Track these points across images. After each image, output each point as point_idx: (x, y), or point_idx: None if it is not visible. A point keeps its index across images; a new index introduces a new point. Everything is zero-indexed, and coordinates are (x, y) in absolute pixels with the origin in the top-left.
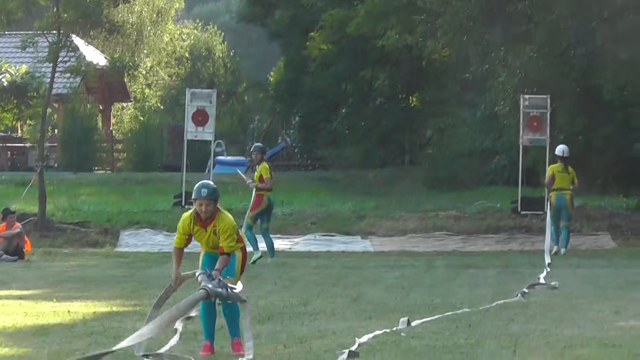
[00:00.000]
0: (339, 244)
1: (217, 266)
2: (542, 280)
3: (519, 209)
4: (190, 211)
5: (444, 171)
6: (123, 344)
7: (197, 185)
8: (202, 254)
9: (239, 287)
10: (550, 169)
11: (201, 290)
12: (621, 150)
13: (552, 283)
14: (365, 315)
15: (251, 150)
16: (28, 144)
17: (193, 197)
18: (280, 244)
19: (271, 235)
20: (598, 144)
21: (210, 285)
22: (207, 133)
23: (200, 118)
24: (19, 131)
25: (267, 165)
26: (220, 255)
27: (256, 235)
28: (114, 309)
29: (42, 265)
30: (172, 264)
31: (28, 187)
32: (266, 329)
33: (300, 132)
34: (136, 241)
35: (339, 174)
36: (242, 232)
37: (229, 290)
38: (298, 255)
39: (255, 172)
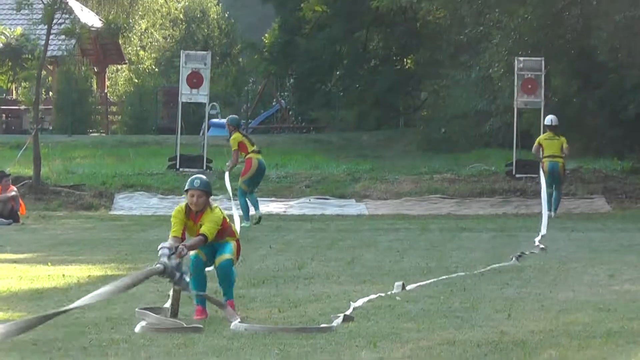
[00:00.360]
0: (334, 207)
1: (186, 242)
2: (536, 244)
3: (514, 172)
4: (182, 204)
5: (439, 133)
6: (77, 303)
7: (191, 177)
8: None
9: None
10: (538, 140)
11: (159, 265)
12: (616, 112)
13: (541, 247)
14: (360, 278)
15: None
16: (23, 107)
17: (186, 188)
18: (274, 207)
19: (266, 199)
20: (592, 106)
21: (167, 262)
22: (201, 95)
23: (194, 80)
24: (14, 94)
25: (237, 136)
26: (197, 235)
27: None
28: (109, 272)
29: (37, 229)
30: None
31: (23, 150)
32: (261, 293)
33: (295, 94)
34: (131, 204)
35: (333, 136)
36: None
37: (183, 277)
38: (292, 218)
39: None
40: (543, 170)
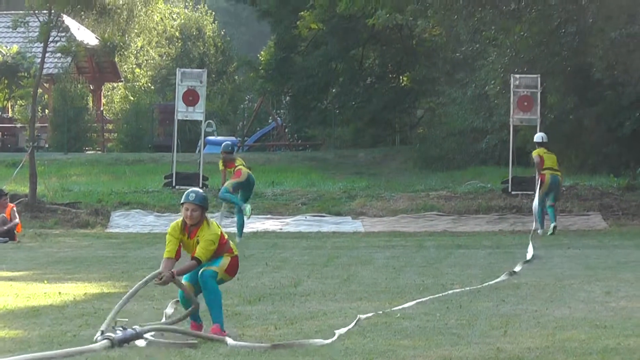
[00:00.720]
0: (330, 224)
1: (177, 268)
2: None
3: (510, 189)
4: (178, 220)
5: (435, 151)
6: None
7: (187, 190)
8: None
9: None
10: (536, 152)
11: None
12: (612, 129)
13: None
14: (356, 296)
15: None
16: (18, 125)
17: (182, 201)
18: (270, 224)
19: (262, 216)
20: (588, 123)
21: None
22: (197, 113)
23: (190, 98)
24: (10, 111)
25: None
26: (191, 260)
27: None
28: (105, 290)
29: (33, 247)
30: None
31: (19, 168)
32: (257, 310)
33: (291, 111)
34: (127, 222)
35: (329, 153)
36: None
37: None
38: (288, 235)
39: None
40: (543, 182)
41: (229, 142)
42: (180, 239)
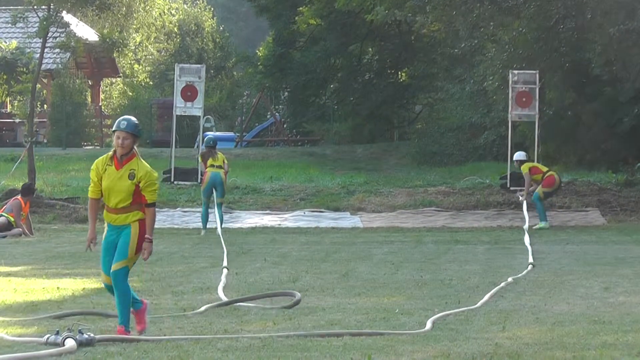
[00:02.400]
0: (328, 219)
1: (148, 230)
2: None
3: (508, 185)
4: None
5: (433, 146)
6: None
7: (118, 119)
8: (104, 233)
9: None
10: (525, 167)
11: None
12: (610, 125)
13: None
14: (355, 291)
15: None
16: (17, 120)
17: (113, 129)
18: (269, 219)
19: (260, 212)
20: (587, 119)
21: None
22: (196, 108)
23: (189, 93)
24: (8, 107)
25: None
26: (147, 208)
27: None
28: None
29: (31, 242)
30: (89, 222)
31: (17, 163)
32: (255, 306)
33: (289, 107)
34: None
35: (327, 149)
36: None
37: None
38: (287, 231)
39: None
40: (552, 183)
41: (210, 136)
42: (102, 176)
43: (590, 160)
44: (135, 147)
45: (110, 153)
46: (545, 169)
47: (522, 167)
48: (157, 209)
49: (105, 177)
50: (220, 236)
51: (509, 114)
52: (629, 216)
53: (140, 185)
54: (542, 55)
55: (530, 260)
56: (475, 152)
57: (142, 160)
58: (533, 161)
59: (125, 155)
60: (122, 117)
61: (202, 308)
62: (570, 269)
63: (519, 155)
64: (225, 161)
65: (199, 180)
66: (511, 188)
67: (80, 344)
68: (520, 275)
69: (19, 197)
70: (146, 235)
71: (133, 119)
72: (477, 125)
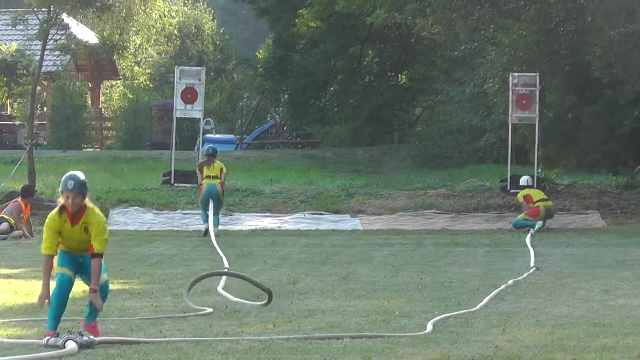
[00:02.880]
0: (328, 222)
1: (92, 282)
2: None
3: (509, 187)
4: (56, 208)
5: (433, 149)
6: None
7: (64, 177)
8: (57, 258)
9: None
10: (520, 194)
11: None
12: (610, 128)
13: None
14: (355, 294)
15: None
16: (17, 122)
17: (60, 189)
18: (269, 222)
19: (260, 214)
20: (587, 122)
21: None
22: (196, 111)
23: (189, 96)
24: (8, 109)
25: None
26: (92, 259)
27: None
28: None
29: (32, 244)
30: (43, 279)
31: (17, 165)
32: (255, 308)
33: (289, 109)
34: (125, 219)
35: (327, 151)
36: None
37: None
38: (287, 233)
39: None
40: (537, 214)
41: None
42: (60, 229)
43: (590, 162)
44: (86, 200)
45: (59, 209)
46: (538, 197)
47: (518, 195)
48: (157, 211)
49: (63, 231)
50: (214, 242)
51: (509, 116)
52: (629, 219)
53: (90, 234)
54: (542, 58)
55: (533, 263)
56: (476, 154)
57: (94, 208)
58: (533, 186)
59: (77, 211)
60: (67, 176)
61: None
62: (571, 272)
63: (522, 180)
64: (224, 170)
65: (198, 183)
66: (511, 190)
67: (81, 347)
68: (521, 277)
69: (19, 199)
70: (91, 286)
71: (79, 176)
72: (477, 128)
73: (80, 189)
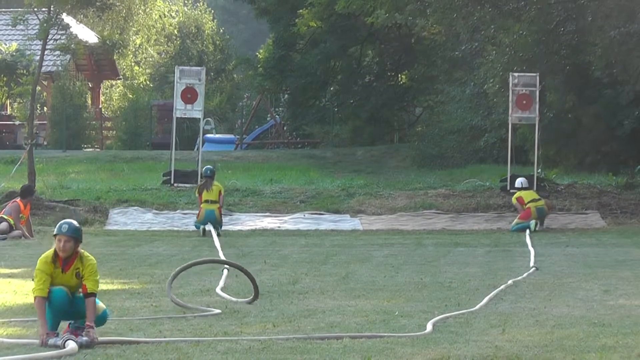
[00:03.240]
0: (328, 222)
1: (88, 318)
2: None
3: (509, 187)
4: (48, 251)
5: (434, 149)
6: None
7: (60, 221)
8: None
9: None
10: (514, 198)
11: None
12: (610, 128)
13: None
14: (354, 293)
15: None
16: (17, 122)
17: (54, 233)
18: (269, 222)
19: (260, 214)
20: (587, 122)
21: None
22: (196, 111)
23: (189, 96)
24: (8, 109)
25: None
26: (86, 299)
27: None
28: (103, 287)
29: (31, 244)
30: (39, 321)
31: (17, 165)
32: (255, 308)
33: (289, 109)
34: (125, 219)
35: (327, 151)
36: None
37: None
38: (287, 233)
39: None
40: (528, 216)
41: (208, 167)
42: (52, 273)
43: (590, 162)
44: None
45: (51, 255)
46: (529, 198)
47: (512, 198)
48: (157, 211)
49: (54, 276)
50: (216, 242)
51: (509, 116)
52: (629, 219)
53: (83, 276)
54: (542, 58)
55: (532, 263)
56: (476, 154)
57: (85, 253)
58: (529, 188)
59: (69, 257)
60: (63, 221)
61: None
62: (570, 272)
63: (517, 182)
64: (222, 193)
65: (198, 183)
66: (511, 190)
67: (81, 347)
68: (520, 277)
69: (18, 199)
70: (87, 322)
71: (74, 223)
72: (477, 128)
73: (73, 233)
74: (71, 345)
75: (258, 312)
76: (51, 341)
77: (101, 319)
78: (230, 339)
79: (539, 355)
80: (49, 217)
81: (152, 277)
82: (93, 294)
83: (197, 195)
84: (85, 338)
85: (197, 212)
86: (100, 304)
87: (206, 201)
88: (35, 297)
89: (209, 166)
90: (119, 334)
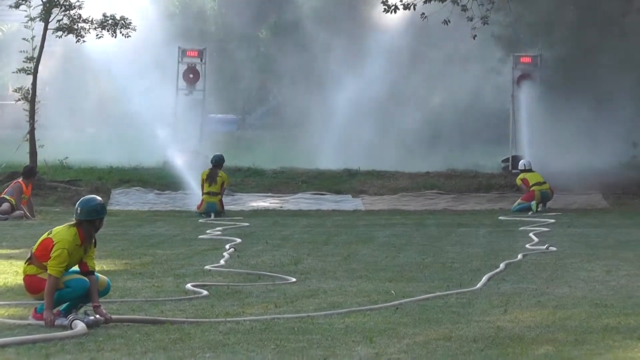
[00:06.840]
0: (330, 202)
1: (94, 300)
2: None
3: (510, 168)
4: (72, 230)
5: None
6: None
7: (93, 203)
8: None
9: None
10: (519, 178)
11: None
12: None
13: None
14: (356, 274)
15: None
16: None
17: (95, 216)
18: (271, 202)
19: (262, 194)
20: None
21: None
22: (198, 90)
23: (191, 75)
24: (10, 89)
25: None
26: (88, 277)
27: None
28: (105, 267)
29: (33, 224)
30: (46, 300)
31: (19, 146)
32: (257, 288)
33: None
34: (127, 199)
35: None
36: None
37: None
38: (289, 213)
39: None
40: (532, 198)
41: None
42: (74, 252)
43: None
44: None
45: (78, 236)
46: (534, 181)
47: (517, 179)
48: (159, 192)
49: (73, 256)
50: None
51: (511, 97)
52: (631, 199)
53: (87, 255)
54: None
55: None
56: (478, 135)
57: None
58: (531, 170)
59: (90, 237)
60: (96, 203)
61: None
62: (572, 252)
63: (520, 164)
64: (225, 184)
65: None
66: (513, 171)
67: (89, 326)
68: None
69: (20, 179)
70: (93, 303)
71: (102, 201)
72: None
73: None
74: (80, 325)
75: (260, 293)
76: (58, 322)
77: (107, 290)
78: (232, 319)
79: (541, 335)
80: (51, 197)
81: (154, 257)
82: (93, 272)
83: (201, 182)
84: (91, 317)
85: (199, 203)
86: (102, 277)
87: (208, 193)
88: (53, 276)
89: (217, 154)
90: (122, 314)
